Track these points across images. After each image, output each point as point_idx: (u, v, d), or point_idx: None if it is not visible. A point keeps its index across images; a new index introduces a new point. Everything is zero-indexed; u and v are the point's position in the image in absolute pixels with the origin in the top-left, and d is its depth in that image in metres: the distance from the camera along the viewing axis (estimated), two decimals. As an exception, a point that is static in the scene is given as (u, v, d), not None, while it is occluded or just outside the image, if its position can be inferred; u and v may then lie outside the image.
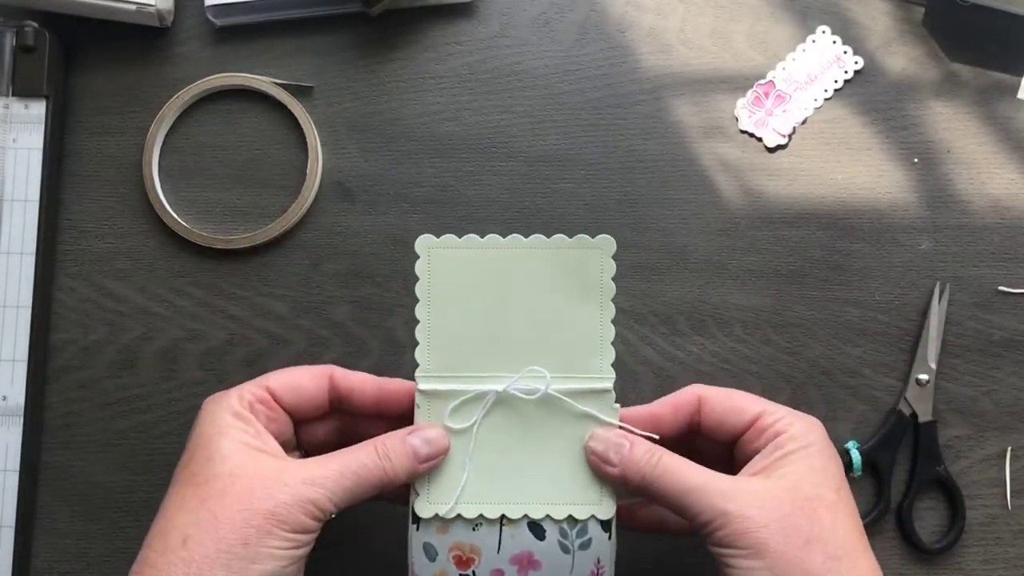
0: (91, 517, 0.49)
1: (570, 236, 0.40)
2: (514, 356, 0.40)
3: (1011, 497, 0.48)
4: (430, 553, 0.39)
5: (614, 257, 0.40)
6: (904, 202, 0.50)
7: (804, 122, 0.50)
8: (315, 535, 0.37)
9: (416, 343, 0.40)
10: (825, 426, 0.41)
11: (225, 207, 0.50)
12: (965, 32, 0.50)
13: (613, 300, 0.40)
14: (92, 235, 0.50)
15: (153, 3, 0.49)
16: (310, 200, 0.50)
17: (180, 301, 0.50)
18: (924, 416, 0.48)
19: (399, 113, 0.51)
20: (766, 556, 0.35)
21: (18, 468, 0.47)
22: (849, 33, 0.51)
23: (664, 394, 0.43)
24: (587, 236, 0.40)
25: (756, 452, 0.39)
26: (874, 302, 0.49)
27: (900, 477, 0.48)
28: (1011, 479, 0.48)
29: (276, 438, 0.39)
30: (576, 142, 0.50)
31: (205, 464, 0.37)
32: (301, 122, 0.50)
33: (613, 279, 0.40)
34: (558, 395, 0.40)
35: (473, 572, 0.39)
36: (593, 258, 0.40)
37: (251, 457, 0.37)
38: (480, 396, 0.40)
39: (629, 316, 0.49)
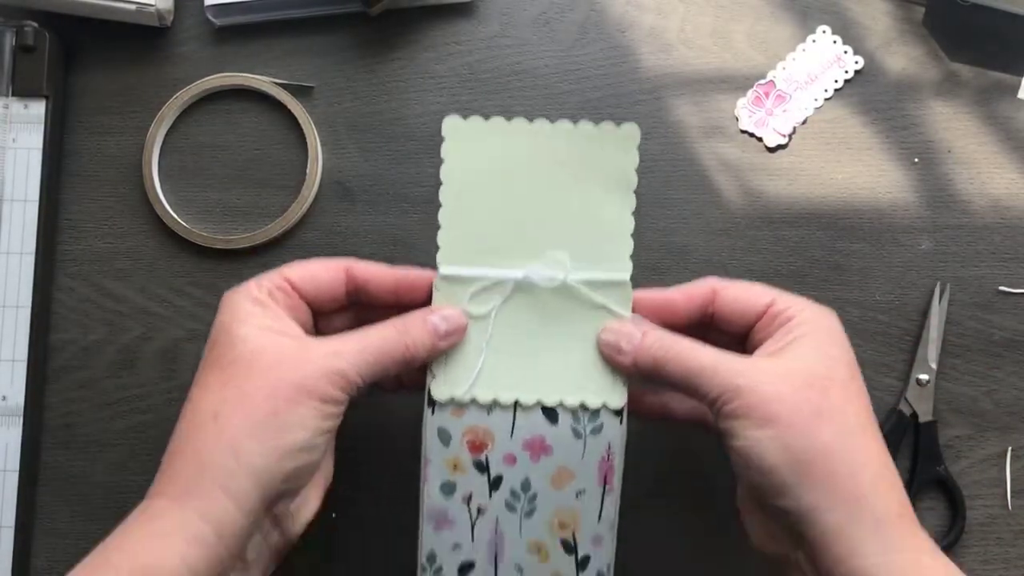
0: (91, 517, 0.49)
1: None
2: (535, 244, 0.40)
3: (1011, 497, 0.48)
4: (444, 438, 0.40)
5: (639, 148, 0.40)
6: (904, 202, 0.50)
7: (804, 122, 0.50)
8: (342, 408, 0.37)
9: (439, 227, 0.41)
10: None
11: (225, 207, 0.50)
12: (965, 32, 0.50)
13: (635, 192, 0.40)
14: (92, 235, 0.50)
15: (153, 3, 0.49)
16: (310, 200, 0.50)
17: (180, 301, 0.50)
18: (924, 416, 0.48)
19: (399, 113, 0.51)
20: (776, 426, 0.35)
21: (18, 468, 0.47)
22: (849, 33, 0.51)
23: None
24: (613, 124, 0.40)
25: (769, 338, 0.39)
26: (874, 302, 0.49)
27: (900, 477, 0.48)
28: (1011, 479, 0.48)
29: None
30: (576, 142, 0.50)
31: (228, 349, 0.37)
32: (301, 122, 0.50)
33: (637, 170, 0.40)
34: (576, 285, 0.40)
35: (486, 457, 0.40)
36: (618, 147, 0.40)
37: (273, 339, 0.37)
38: (500, 282, 0.40)
39: (629, 316, 0.49)
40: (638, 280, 0.49)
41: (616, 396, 0.40)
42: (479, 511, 0.40)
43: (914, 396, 0.48)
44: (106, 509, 0.49)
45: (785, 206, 0.50)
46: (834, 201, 0.50)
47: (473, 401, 0.40)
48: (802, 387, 0.36)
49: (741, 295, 0.40)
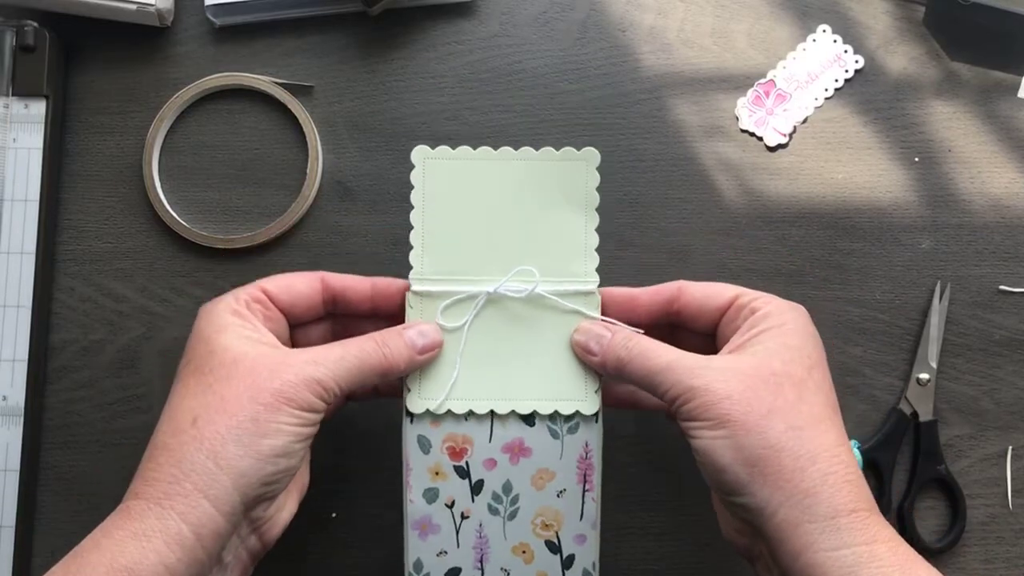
0: (91, 517, 0.48)
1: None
2: (504, 261, 0.41)
3: (1012, 496, 0.48)
4: (424, 446, 0.41)
5: (598, 169, 0.42)
6: (905, 201, 0.50)
7: (805, 121, 0.50)
8: (321, 416, 0.37)
9: (410, 247, 0.41)
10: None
11: (225, 207, 0.50)
12: (965, 31, 0.50)
13: (597, 210, 0.42)
14: (92, 235, 0.50)
15: (153, 3, 0.49)
16: (310, 200, 0.50)
17: (180, 301, 0.50)
18: (925, 415, 0.48)
19: (399, 113, 0.51)
20: (728, 426, 0.35)
21: (18, 468, 0.47)
22: (849, 32, 0.51)
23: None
24: (573, 148, 0.42)
25: (735, 333, 0.39)
26: (875, 301, 0.49)
27: (901, 477, 0.48)
28: (1012, 478, 0.48)
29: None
30: (576, 142, 0.50)
31: (207, 357, 0.37)
32: (301, 122, 0.50)
33: (598, 189, 0.42)
34: (545, 294, 0.41)
35: (466, 463, 0.41)
36: (579, 169, 0.42)
37: (252, 347, 0.38)
38: (471, 297, 0.41)
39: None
40: (639, 280, 0.49)
41: (589, 403, 0.41)
42: (463, 516, 0.41)
43: (914, 395, 0.48)
44: (106, 509, 0.48)
45: (785, 205, 0.50)
46: (834, 200, 0.50)
47: (449, 412, 0.41)
48: (756, 385, 0.36)
49: (706, 290, 0.41)
